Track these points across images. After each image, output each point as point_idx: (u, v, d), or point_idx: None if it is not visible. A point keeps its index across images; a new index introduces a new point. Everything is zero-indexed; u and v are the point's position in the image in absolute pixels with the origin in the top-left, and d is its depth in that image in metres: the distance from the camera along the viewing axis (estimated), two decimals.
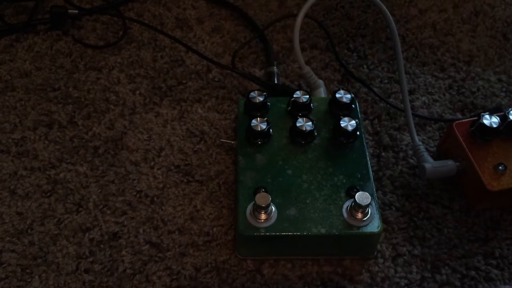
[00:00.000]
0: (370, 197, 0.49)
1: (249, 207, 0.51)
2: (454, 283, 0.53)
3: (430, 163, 0.57)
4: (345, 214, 0.51)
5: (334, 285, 0.52)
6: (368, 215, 0.50)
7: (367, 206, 0.50)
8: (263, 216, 0.50)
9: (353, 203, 0.50)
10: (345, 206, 0.51)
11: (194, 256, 0.54)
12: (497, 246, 0.55)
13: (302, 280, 0.52)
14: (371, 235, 0.50)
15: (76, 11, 0.72)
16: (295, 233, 0.50)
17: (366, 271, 0.53)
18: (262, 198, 0.49)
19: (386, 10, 0.60)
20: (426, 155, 0.58)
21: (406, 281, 0.53)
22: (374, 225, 0.50)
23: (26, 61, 0.69)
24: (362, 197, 0.49)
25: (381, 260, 0.54)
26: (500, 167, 0.54)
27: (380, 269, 0.53)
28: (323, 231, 0.50)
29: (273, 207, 0.51)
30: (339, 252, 0.53)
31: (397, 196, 0.58)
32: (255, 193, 0.52)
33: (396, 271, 0.53)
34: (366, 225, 0.50)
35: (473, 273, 0.53)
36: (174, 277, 0.52)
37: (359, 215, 0.50)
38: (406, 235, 0.56)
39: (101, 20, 0.74)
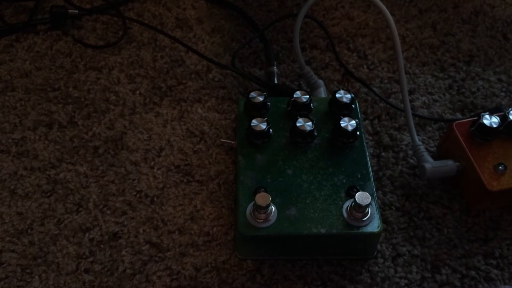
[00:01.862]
0: (370, 197, 0.49)
1: (249, 207, 0.51)
2: (454, 283, 0.53)
3: (430, 163, 0.57)
4: (345, 214, 0.51)
5: (334, 285, 0.52)
6: (368, 215, 0.50)
7: (367, 206, 0.50)
8: (263, 216, 0.50)
9: (353, 203, 0.50)
10: (345, 206, 0.51)
11: (194, 256, 0.54)
12: (497, 246, 0.55)
13: (302, 280, 0.52)
14: (371, 235, 0.50)
15: (76, 11, 0.72)
16: (295, 233, 0.50)
17: (366, 271, 0.53)
18: (262, 198, 0.49)
19: (386, 10, 0.60)
20: (426, 155, 0.58)
21: (406, 281, 0.53)
22: (374, 225, 0.50)
23: (26, 61, 0.69)
24: (362, 197, 0.49)
25: (381, 260, 0.54)
26: (500, 167, 0.54)
27: (380, 269, 0.53)
28: (323, 231, 0.50)
29: (273, 207, 0.51)
30: (339, 252, 0.53)
31: (397, 196, 0.58)
32: (255, 193, 0.52)
33: (396, 271, 0.53)
34: (366, 225, 0.50)
35: (473, 273, 0.53)
36: (174, 277, 0.52)
37: (359, 215, 0.50)
38: (406, 235, 0.56)
39: (101, 20, 0.74)
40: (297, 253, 0.53)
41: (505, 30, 0.75)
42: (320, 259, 0.53)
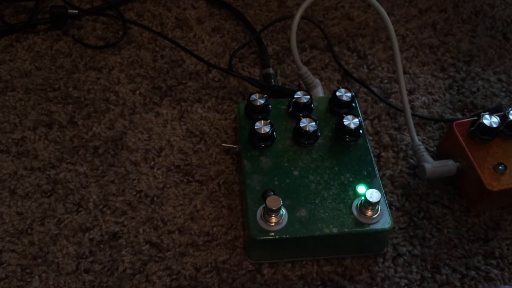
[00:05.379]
0: (379, 194, 0.49)
1: (259, 211, 0.51)
2: (454, 283, 0.53)
3: (430, 163, 0.57)
4: (355, 212, 0.51)
5: (334, 285, 0.52)
6: (378, 212, 0.50)
7: (377, 203, 0.50)
8: (274, 219, 0.50)
9: (362, 201, 0.50)
10: (354, 204, 0.51)
11: (194, 256, 0.54)
12: (497, 246, 0.55)
13: (302, 280, 0.52)
14: (383, 231, 0.50)
15: (76, 11, 0.72)
16: (307, 235, 0.50)
17: (366, 271, 0.53)
18: (273, 201, 0.49)
19: (384, 11, 0.60)
20: (426, 155, 0.58)
21: (406, 281, 0.53)
22: (385, 222, 0.50)
23: (26, 61, 0.69)
24: (372, 194, 0.49)
25: (381, 260, 0.54)
26: (500, 167, 0.54)
27: (380, 269, 0.53)
28: (335, 230, 0.50)
29: (283, 209, 0.51)
30: (351, 250, 0.53)
31: (397, 196, 0.58)
32: (263, 196, 0.51)
33: (396, 271, 0.53)
34: (377, 222, 0.50)
35: (473, 273, 0.53)
36: (174, 277, 0.52)
37: (370, 213, 0.50)
38: (406, 235, 0.56)
39: (101, 20, 0.74)
40: (310, 254, 0.53)
41: (505, 30, 0.75)
42: (320, 259, 0.54)
